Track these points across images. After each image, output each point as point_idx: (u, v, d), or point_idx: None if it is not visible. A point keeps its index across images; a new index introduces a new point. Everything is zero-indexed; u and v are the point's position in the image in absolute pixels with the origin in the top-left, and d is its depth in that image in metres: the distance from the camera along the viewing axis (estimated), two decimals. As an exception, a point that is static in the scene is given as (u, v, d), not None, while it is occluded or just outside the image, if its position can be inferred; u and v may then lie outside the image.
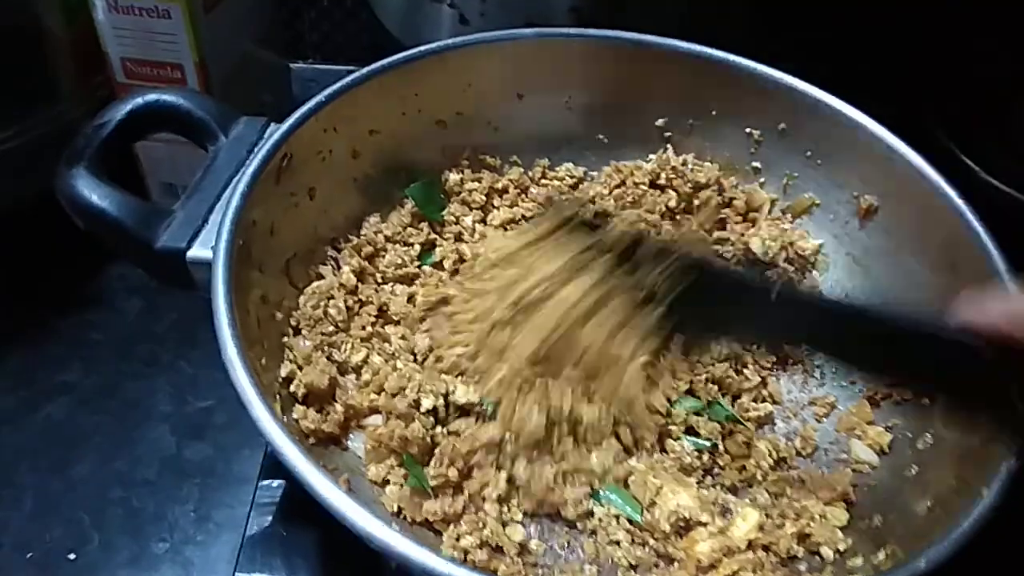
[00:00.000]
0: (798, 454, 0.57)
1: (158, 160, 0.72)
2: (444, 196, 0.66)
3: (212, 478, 0.60)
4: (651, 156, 0.69)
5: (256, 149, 0.53)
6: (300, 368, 0.53)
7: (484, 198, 0.66)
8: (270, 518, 0.55)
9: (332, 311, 0.56)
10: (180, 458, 0.62)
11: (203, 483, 0.60)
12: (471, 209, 0.66)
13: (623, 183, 0.68)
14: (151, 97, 0.53)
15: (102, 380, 0.66)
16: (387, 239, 0.63)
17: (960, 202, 0.56)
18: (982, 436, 0.47)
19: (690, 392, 0.57)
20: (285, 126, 0.55)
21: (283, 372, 0.52)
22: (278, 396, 0.49)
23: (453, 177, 0.66)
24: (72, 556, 0.56)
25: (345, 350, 0.56)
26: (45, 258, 0.71)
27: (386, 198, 0.64)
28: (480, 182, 0.67)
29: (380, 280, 0.61)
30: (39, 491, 0.59)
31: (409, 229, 0.64)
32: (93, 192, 0.48)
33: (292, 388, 0.52)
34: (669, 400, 0.56)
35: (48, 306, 0.70)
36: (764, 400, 0.59)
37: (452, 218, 0.65)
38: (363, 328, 0.57)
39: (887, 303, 0.60)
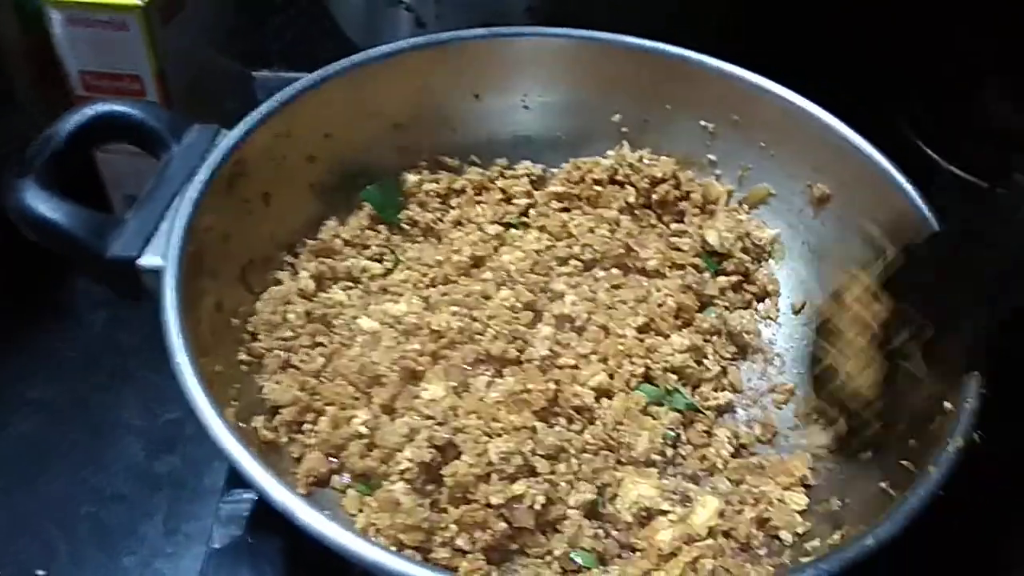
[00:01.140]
0: (759, 441, 0.57)
1: (120, 172, 0.72)
2: (402, 198, 0.66)
3: (182, 490, 0.60)
4: (609, 152, 0.69)
5: (207, 156, 0.53)
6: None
7: (440, 199, 0.66)
8: (240, 528, 0.55)
9: (291, 316, 0.56)
10: (150, 471, 0.61)
11: (173, 495, 0.60)
12: (428, 211, 0.66)
13: (582, 180, 0.68)
14: (101, 108, 0.53)
15: (70, 394, 0.65)
16: (345, 243, 0.63)
17: (908, 186, 0.57)
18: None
19: (648, 380, 0.57)
20: (236, 132, 0.55)
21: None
22: (233, 403, 0.49)
23: (411, 178, 0.67)
24: (41, 572, 0.56)
25: (304, 356, 0.56)
26: (8, 271, 0.71)
27: (344, 202, 0.64)
28: (438, 183, 0.67)
29: (337, 284, 0.61)
30: (7, 506, 0.59)
31: (367, 232, 0.64)
32: (42, 204, 0.48)
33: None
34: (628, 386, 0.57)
35: (13, 320, 0.70)
36: (724, 389, 0.59)
37: (410, 220, 0.65)
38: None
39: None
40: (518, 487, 0.49)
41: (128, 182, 0.72)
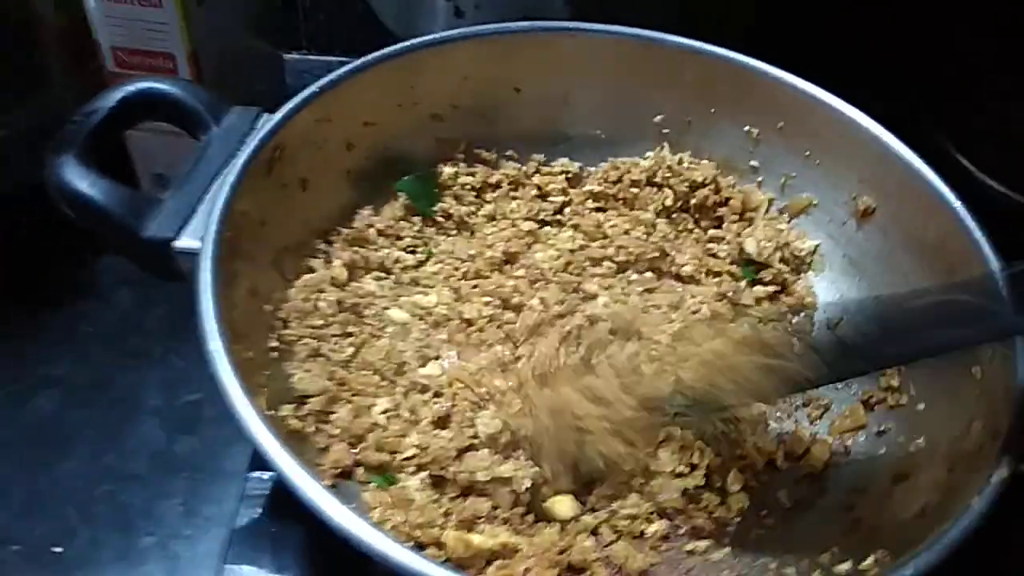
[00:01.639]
0: (788, 456, 0.56)
1: (149, 151, 0.71)
2: (437, 190, 0.65)
3: (201, 472, 0.60)
4: (648, 153, 0.68)
5: (247, 140, 0.52)
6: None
7: (476, 193, 0.66)
8: (259, 511, 0.55)
9: (322, 304, 0.56)
10: (169, 452, 0.61)
11: (192, 477, 0.60)
12: (463, 204, 0.65)
13: (619, 180, 0.67)
14: (142, 85, 0.52)
15: (91, 373, 0.65)
16: (379, 232, 0.62)
17: (957, 204, 0.55)
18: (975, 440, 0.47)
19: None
20: (277, 117, 0.54)
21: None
22: (265, 390, 0.48)
23: (447, 171, 0.66)
24: (58, 549, 0.56)
25: (334, 345, 0.55)
26: (36, 250, 0.71)
27: (379, 191, 0.64)
28: (474, 176, 0.66)
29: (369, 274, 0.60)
30: (27, 483, 0.58)
31: (401, 222, 0.63)
32: (81, 181, 0.48)
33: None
34: None
35: (37, 298, 0.69)
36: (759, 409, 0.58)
37: (444, 213, 0.65)
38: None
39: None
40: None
41: (157, 161, 0.71)
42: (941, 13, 0.78)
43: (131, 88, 0.52)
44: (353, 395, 0.53)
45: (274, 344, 0.53)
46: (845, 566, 0.47)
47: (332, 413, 0.52)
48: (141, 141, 0.70)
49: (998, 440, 0.46)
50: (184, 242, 0.48)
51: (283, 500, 0.54)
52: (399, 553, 0.39)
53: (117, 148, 0.70)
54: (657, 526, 0.52)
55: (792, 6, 0.80)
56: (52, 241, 0.69)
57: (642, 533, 0.52)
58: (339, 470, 0.51)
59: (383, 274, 0.61)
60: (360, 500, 0.50)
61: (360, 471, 0.51)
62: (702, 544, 0.52)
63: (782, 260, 0.63)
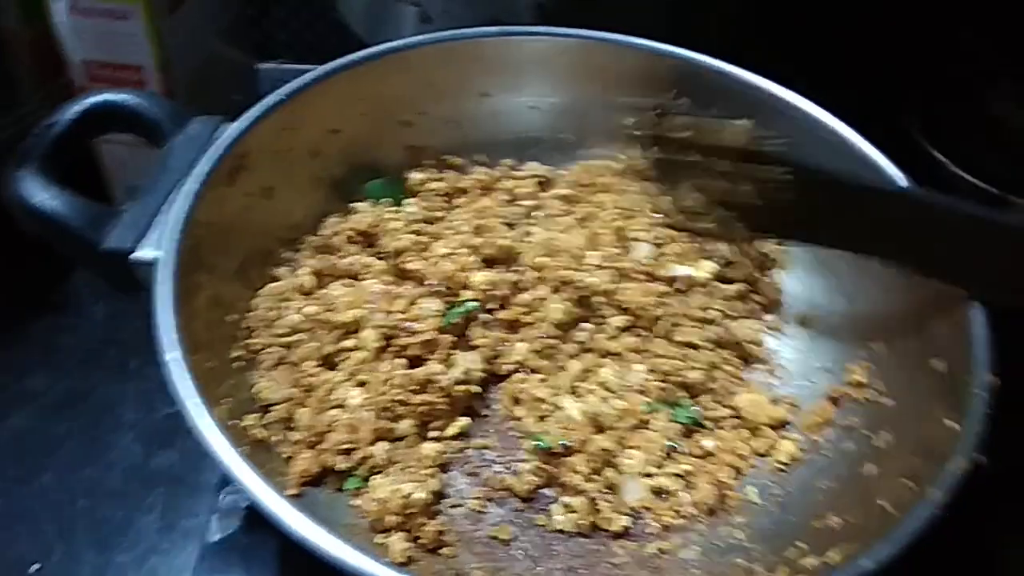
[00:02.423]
0: (756, 454, 0.56)
1: (121, 162, 0.71)
2: (403, 195, 0.65)
3: (179, 486, 0.60)
4: (621, 156, 0.68)
5: (208, 149, 0.52)
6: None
7: (445, 198, 0.66)
8: (235, 524, 0.55)
9: (288, 313, 0.56)
10: (146, 466, 0.61)
11: (170, 491, 0.59)
12: (432, 210, 0.65)
13: (591, 183, 0.67)
14: (101, 97, 0.52)
15: (68, 388, 0.65)
16: (348, 239, 0.62)
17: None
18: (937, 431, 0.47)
19: (643, 392, 0.57)
20: (238, 125, 0.54)
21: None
22: (226, 401, 0.48)
23: (416, 176, 0.66)
24: (36, 567, 0.55)
25: (301, 353, 0.55)
26: (11, 263, 0.70)
27: (347, 198, 0.64)
28: (443, 181, 0.66)
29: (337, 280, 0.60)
30: (3, 500, 0.58)
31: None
32: (40, 193, 0.48)
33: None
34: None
35: (14, 312, 0.69)
36: (727, 406, 0.59)
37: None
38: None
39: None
40: None
41: (130, 172, 0.72)
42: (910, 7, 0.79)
43: (90, 100, 0.52)
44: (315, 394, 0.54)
45: (239, 354, 0.53)
46: (810, 560, 0.47)
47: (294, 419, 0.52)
48: (113, 153, 0.70)
49: (958, 432, 0.46)
50: (143, 253, 0.48)
51: (254, 514, 0.54)
52: (357, 559, 0.39)
53: (88, 160, 0.70)
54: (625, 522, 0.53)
55: (771, 8, 0.81)
56: (28, 255, 0.69)
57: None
58: (306, 478, 0.51)
59: (352, 280, 0.60)
60: (327, 509, 0.50)
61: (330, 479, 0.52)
62: (670, 543, 0.52)
63: (750, 258, 0.63)
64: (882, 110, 0.75)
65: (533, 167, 0.69)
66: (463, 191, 0.67)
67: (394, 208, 0.64)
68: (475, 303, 0.58)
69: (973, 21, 0.79)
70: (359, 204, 0.64)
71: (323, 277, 0.60)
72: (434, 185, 0.66)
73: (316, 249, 0.61)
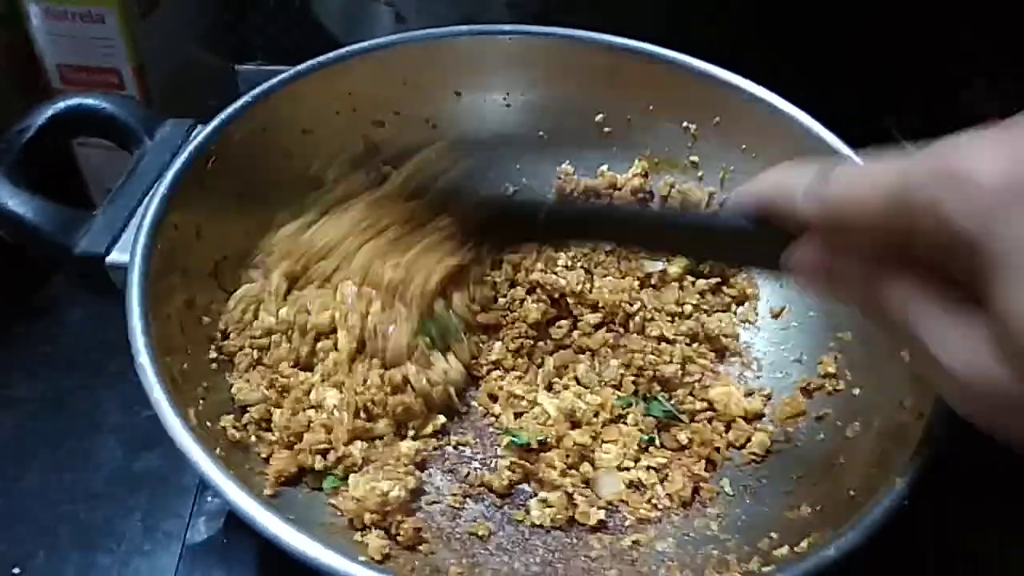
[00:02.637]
0: (731, 446, 0.57)
1: (99, 167, 0.71)
2: None
3: (161, 488, 0.60)
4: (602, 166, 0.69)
5: (179, 152, 0.52)
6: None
7: None
8: (216, 526, 0.55)
9: (262, 316, 0.56)
10: (128, 469, 0.61)
11: (151, 493, 0.59)
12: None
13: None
14: (73, 101, 0.52)
15: (49, 392, 0.65)
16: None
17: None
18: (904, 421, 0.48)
19: (618, 387, 0.58)
20: (209, 128, 0.54)
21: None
22: (200, 402, 0.49)
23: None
24: (17, 571, 0.55)
25: (274, 355, 0.55)
26: (-12, 270, 0.71)
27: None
28: None
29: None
30: (-14, 505, 0.58)
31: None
32: (10, 199, 0.48)
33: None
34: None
35: (-8, 318, 0.69)
36: (702, 399, 0.59)
37: None
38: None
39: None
40: None
41: (108, 176, 0.71)
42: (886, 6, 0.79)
43: (61, 105, 0.52)
44: (291, 395, 0.54)
45: (213, 355, 0.54)
46: (782, 550, 0.48)
47: (273, 421, 0.53)
48: (91, 157, 0.70)
49: (925, 420, 0.47)
50: (115, 257, 0.48)
51: (234, 516, 0.54)
52: (330, 558, 0.39)
53: (67, 164, 0.70)
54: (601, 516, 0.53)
55: (770, 9, 0.81)
56: (5, 259, 0.69)
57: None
58: (283, 478, 0.51)
59: (325, 283, 0.60)
60: (305, 508, 0.51)
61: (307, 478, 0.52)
62: (646, 535, 0.53)
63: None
64: (858, 105, 0.76)
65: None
66: None
67: None
68: (455, 321, 0.59)
69: (973, 22, 0.80)
70: None
71: (295, 281, 0.59)
72: None
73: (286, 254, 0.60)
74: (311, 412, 0.53)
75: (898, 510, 0.43)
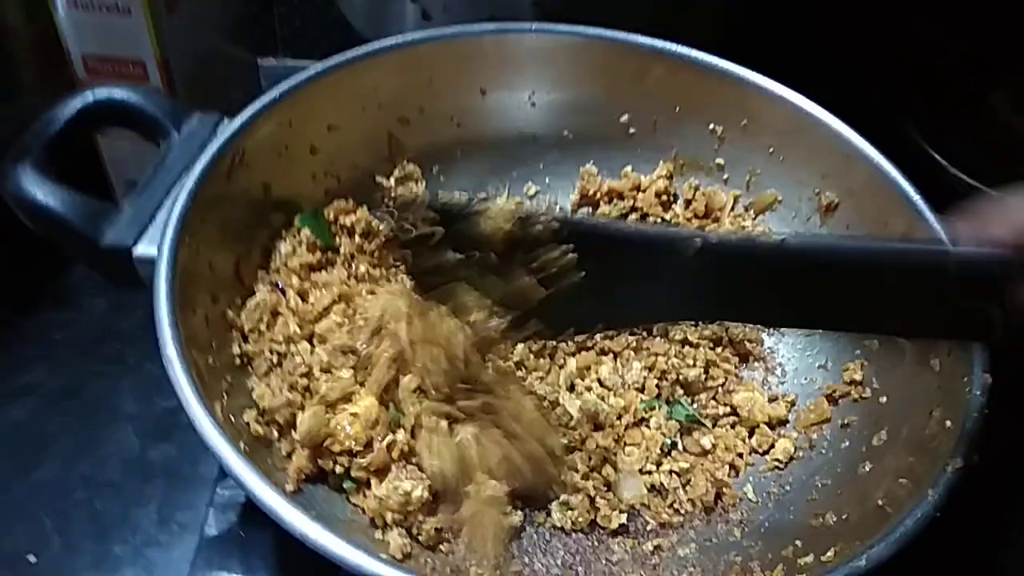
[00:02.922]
0: (754, 451, 0.57)
1: (122, 157, 0.71)
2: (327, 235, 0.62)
3: (176, 479, 0.60)
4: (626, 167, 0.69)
5: (207, 146, 0.52)
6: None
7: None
8: (232, 518, 0.55)
9: (279, 323, 0.55)
10: (144, 459, 0.61)
11: (167, 484, 0.60)
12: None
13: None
14: (101, 93, 0.52)
15: (66, 381, 0.65)
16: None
17: (918, 198, 0.56)
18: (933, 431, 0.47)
19: (641, 390, 0.58)
20: (237, 123, 0.54)
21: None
22: (225, 396, 0.48)
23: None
24: (33, 559, 0.55)
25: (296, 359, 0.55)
26: (9, 257, 0.70)
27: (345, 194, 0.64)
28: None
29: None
30: (2, 493, 0.58)
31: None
32: (37, 190, 0.48)
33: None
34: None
35: (12, 306, 0.69)
36: (725, 404, 0.59)
37: None
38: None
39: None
40: None
41: (130, 167, 0.71)
42: (909, 10, 0.79)
43: (90, 97, 0.52)
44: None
45: (237, 351, 0.53)
46: (808, 559, 0.48)
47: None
48: (113, 147, 0.70)
49: (954, 431, 0.46)
50: (142, 249, 0.48)
51: (252, 509, 0.54)
52: (352, 555, 0.39)
53: (90, 155, 0.70)
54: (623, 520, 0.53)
55: (760, 10, 0.81)
56: (26, 248, 0.69)
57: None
58: (304, 475, 0.51)
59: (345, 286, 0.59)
60: (325, 504, 0.50)
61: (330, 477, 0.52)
62: (668, 540, 0.52)
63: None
64: (881, 110, 0.75)
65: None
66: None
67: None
68: None
69: (974, 22, 0.79)
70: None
71: (307, 294, 0.58)
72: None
73: (294, 271, 0.59)
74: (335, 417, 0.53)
75: (930, 522, 0.42)
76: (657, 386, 0.58)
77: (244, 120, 0.55)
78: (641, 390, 0.58)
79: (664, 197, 0.67)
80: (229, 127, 0.54)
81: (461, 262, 0.47)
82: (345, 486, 0.51)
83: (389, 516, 0.50)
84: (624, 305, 0.47)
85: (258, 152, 0.56)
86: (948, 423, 0.47)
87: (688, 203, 0.67)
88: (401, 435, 0.51)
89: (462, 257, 0.47)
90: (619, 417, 0.57)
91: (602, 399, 0.57)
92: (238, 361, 0.53)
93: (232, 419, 0.48)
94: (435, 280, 0.49)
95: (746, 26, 0.81)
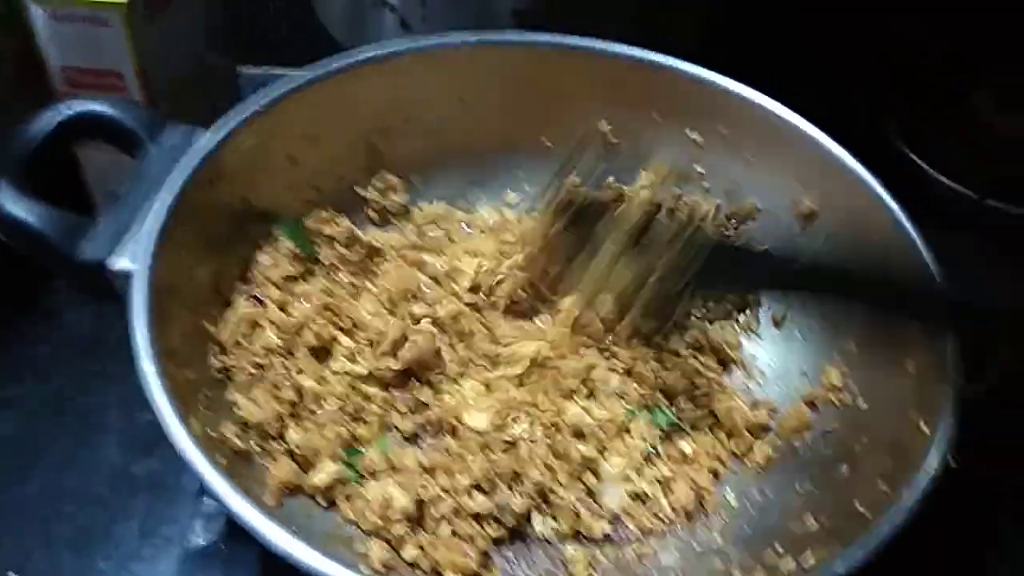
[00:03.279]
0: (735, 457, 0.57)
1: (102, 169, 0.71)
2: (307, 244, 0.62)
3: (160, 492, 0.59)
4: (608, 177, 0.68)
5: (183, 158, 0.52)
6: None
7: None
8: (216, 532, 0.55)
9: (258, 335, 0.55)
10: (128, 473, 0.60)
11: (150, 498, 0.59)
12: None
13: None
14: (77, 107, 0.52)
15: (49, 394, 0.64)
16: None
17: (896, 207, 0.56)
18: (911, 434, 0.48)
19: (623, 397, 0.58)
20: (215, 134, 0.54)
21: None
22: (203, 410, 0.48)
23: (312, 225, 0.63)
24: (13, 575, 0.55)
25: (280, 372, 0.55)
26: (-8, 269, 0.70)
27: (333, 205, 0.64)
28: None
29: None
30: (-17, 506, 0.58)
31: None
32: (13, 204, 0.48)
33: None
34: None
35: (-3, 316, 0.69)
36: (707, 410, 0.59)
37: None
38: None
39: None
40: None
41: (111, 179, 0.70)
42: (890, 10, 0.79)
43: (66, 110, 0.51)
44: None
45: (216, 364, 0.53)
46: (789, 564, 0.48)
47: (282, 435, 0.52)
48: (94, 159, 0.70)
49: (930, 434, 0.46)
50: (118, 263, 0.48)
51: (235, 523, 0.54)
52: (331, 568, 0.39)
53: (70, 166, 0.70)
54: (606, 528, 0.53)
55: (742, 11, 0.81)
56: (9, 260, 0.69)
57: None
58: (285, 488, 0.51)
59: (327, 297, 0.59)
60: (305, 519, 0.50)
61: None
62: (650, 548, 0.53)
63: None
64: (861, 114, 0.76)
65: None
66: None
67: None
68: None
69: (957, 22, 0.79)
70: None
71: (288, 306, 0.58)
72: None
73: (274, 283, 0.59)
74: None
75: (907, 527, 0.42)
76: (640, 393, 0.58)
77: (222, 132, 0.54)
78: (623, 397, 0.58)
79: (648, 208, 0.67)
80: (207, 138, 0.54)
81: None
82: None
83: (369, 521, 0.50)
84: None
85: (237, 163, 0.56)
86: (924, 426, 0.47)
87: (671, 212, 0.67)
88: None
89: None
90: (602, 428, 0.57)
91: (586, 411, 0.57)
92: (217, 374, 0.53)
93: (211, 433, 0.48)
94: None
95: (728, 26, 0.81)
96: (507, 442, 0.54)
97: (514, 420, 0.55)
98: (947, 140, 0.78)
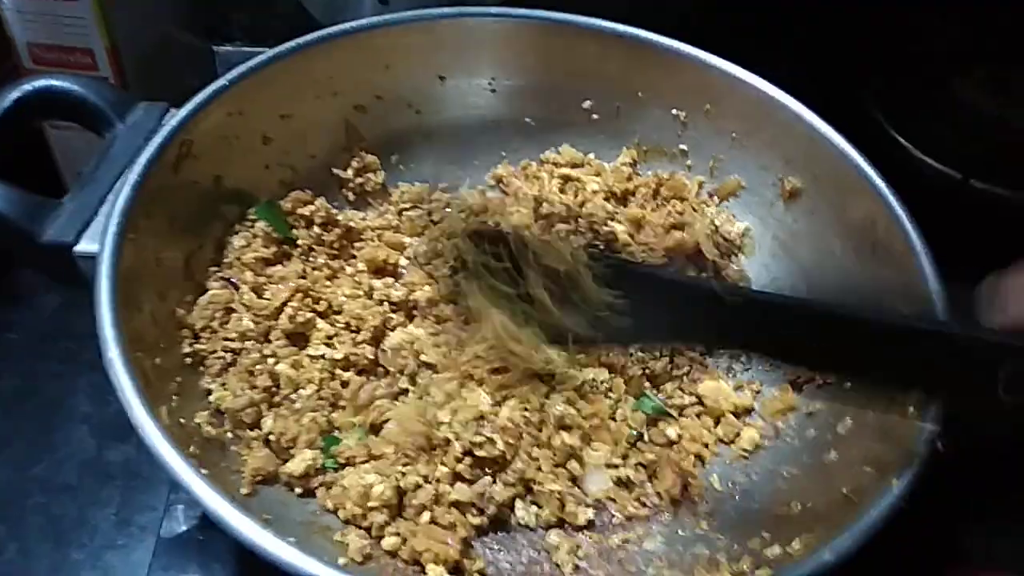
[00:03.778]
0: (720, 441, 0.56)
1: (73, 149, 0.69)
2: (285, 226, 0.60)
3: (135, 480, 0.58)
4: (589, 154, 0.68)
5: (152, 137, 0.50)
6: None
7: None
8: (190, 520, 0.54)
9: (231, 321, 0.54)
10: (101, 460, 0.59)
11: (125, 486, 0.58)
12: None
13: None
14: (40, 84, 0.50)
15: (20, 382, 0.63)
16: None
17: (881, 183, 0.55)
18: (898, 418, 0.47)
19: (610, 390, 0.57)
20: (183, 112, 0.52)
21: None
22: (174, 398, 0.47)
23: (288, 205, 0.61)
24: (-13, 566, 0.54)
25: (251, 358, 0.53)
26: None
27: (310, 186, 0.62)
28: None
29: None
30: (-45, 500, 0.57)
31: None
32: (-28, 184, 0.46)
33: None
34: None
35: (-40, 306, 0.67)
36: (691, 393, 0.58)
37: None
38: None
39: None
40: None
41: (81, 159, 0.69)
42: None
43: (27, 87, 0.50)
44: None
45: (188, 350, 0.52)
46: (774, 550, 0.47)
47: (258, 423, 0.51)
48: (64, 139, 0.68)
49: (918, 418, 0.46)
50: (83, 246, 0.46)
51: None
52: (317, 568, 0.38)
53: (39, 146, 0.68)
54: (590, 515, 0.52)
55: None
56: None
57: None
58: (260, 477, 0.49)
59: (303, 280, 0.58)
60: (281, 506, 0.49)
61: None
62: (634, 534, 0.52)
63: (713, 244, 0.63)
64: (843, 93, 0.75)
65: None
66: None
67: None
68: None
69: (944, 3, 0.79)
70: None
71: (262, 289, 0.57)
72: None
73: (247, 266, 0.57)
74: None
75: (895, 511, 0.42)
76: (624, 380, 0.57)
77: (191, 109, 0.53)
78: (609, 391, 0.57)
79: (626, 185, 0.66)
80: (175, 116, 0.52)
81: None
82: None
83: (348, 509, 0.49)
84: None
85: (207, 142, 0.54)
86: (912, 410, 0.46)
87: (655, 190, 0.66)
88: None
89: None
90: (587, 420, 0.55)
91: (571, 404, 0.56)
92: (189, 361, 0.52)
93: (182, 422, 0.47)
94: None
95: (713, 3, 0.80)
96: (488, 432, 0.52)
97: (495, 406, 0.53)
98: (933, 122, 0.77)
